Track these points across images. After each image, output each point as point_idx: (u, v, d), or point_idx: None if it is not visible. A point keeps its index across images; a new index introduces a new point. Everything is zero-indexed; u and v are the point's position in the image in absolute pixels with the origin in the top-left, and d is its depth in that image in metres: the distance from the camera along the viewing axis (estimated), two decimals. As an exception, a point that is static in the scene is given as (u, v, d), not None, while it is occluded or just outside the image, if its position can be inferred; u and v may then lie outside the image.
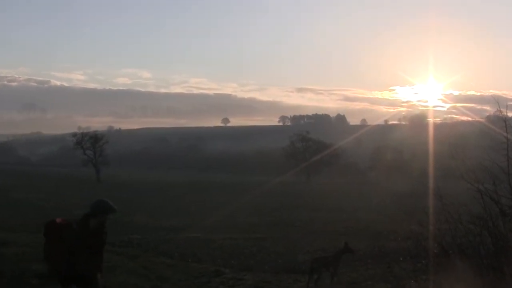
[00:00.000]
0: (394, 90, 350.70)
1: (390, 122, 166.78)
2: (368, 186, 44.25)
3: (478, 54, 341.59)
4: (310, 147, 67.77)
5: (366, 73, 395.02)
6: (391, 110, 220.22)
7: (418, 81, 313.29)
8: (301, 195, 36.03)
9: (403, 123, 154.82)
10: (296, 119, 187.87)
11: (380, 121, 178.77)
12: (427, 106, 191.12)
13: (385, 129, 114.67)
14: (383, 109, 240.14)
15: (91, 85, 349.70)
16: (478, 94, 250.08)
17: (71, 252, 4.30)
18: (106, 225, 4.56)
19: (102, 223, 4.48)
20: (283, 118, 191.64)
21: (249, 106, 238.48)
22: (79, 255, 4.32)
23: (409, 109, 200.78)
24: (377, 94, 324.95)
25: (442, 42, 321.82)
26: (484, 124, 10.43)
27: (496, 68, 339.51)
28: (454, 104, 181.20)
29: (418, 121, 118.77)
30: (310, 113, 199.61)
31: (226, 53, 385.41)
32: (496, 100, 6.52)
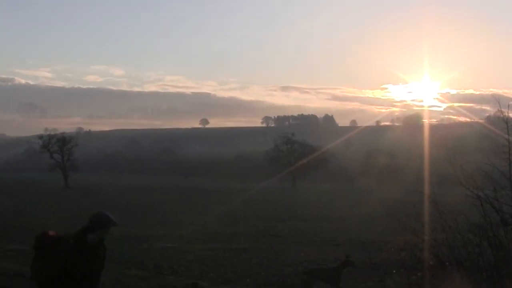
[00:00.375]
0: (386, 88, 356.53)
1: (382, 124, 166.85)
2: (358, 192, 44.49)
3: (478, 49, 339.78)
4: (295, 150, 67.86)
5: (356, 70, 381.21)
6: (383, 110, 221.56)
7: (413, 79, 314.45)
8: (285, 202, 36.02)
9: (397, 124, 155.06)
10: (281, 120, 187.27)
11: (372, 122, 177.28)
12: (422, 106, 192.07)
13: (377, 131, 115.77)
14: (374, 109, 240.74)
15: (59, 83, 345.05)
16: (477, 93, 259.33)
17: (65, 272, 4.07)
18: (105, 242, 4.40)
19: (101, 239, 4.29)
20: (266, 119, 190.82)
21: (230, 106, 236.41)
22: (74, 277, 4.10)
23: (403, 109, 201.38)
24: (368, 93, 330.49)
25: (439, 37, 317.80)
26: (483, 125, 10.44)
27: (497, 65, 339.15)
28: (451, 104, 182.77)
29: (412, 122, 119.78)
30: (295, 114, 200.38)
31: (205, 49, 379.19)
32: (496, 100, 6.54)
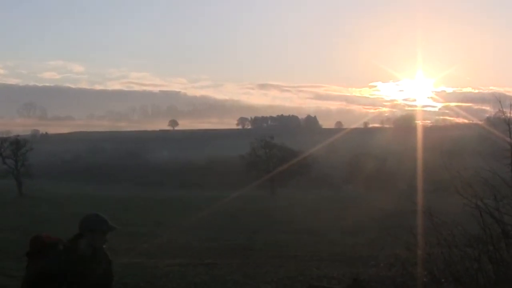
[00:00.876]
0: (375, 86, 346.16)
1: (371, 125, 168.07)
2: (344, 201, 44.72)
3: (477, 43, 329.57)
4: (274, 155, 67.74)
5: (341, 66, 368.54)
6: (372, 110, 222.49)
7: (404, 76, 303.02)
8: (264, 212, 35.95)
9: (386, 126, 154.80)
10: (258, 121, 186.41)
11: (359, 124, 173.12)
12: (415, 106, 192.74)
13: (365, 133, 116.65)
14: (362, 109, 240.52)
15: (12, 81, 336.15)
16: (476, 91, 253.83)
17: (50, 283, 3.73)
18: (106, 251, 4.08)
19: (94, 248, 3.92)
20: (242, 120, 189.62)
21: (202, 105, 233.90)
22: None
23: (393, 110, 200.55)
24: (355, 92, 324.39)
25: (433, 29, 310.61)
26: (483, 127, 10.50)
27: (498, 61, 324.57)
28: (447, 104, 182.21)
29: (404, 124, 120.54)
30: (274, 114, 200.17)
31: (174, 43, 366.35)
32: (497, 99, 6.56)
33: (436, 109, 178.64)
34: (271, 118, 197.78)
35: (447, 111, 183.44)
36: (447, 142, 36.68)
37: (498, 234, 5.43)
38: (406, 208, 7.73)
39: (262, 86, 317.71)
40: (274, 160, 67.23)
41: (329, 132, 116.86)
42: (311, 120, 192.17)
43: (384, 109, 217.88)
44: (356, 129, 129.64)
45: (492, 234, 5.49)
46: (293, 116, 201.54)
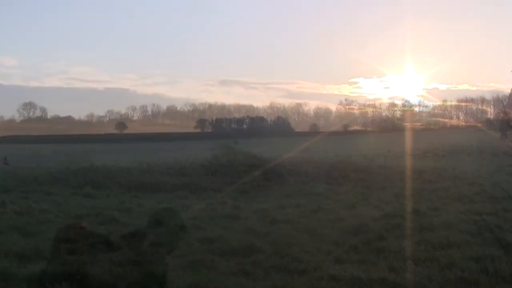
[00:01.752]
0: (356, 83, 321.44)
1: (352, 128, 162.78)
2: (321, 217, 44.71)
3: (474, 33, 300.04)
4: (239, 162, 67.23)
5: (317, 60, 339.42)
6: (353, 111, 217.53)
7: (390, 70, 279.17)
8: (225, 229, 35.69)
9: (370, 129, 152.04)
10: (220, 123, 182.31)
11: (337, 127, 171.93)
12: (404, 106, 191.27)
13: (345, 137, 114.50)
14: (341, 109, 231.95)
15: None
16: (474, 89, 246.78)
17: None
18: None
19: None
20: (201, 122, 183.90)
21: (155, 105, 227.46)
22: None
23: (378, 110, 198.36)
24: (333, 89, 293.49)
25: (423, 17, 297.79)
26: (482, 130, 10.35)
27: (498, 54, 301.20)
28: (440, 103, 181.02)
29: (390, 126, 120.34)
30: (239, 115, 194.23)
31: (123, 33, 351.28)
32: (499, 98, 6.56)
33: (428, 109, 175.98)
34: (236, 119, 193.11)
35: (440, 111, 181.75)
36: (441, 147, 36.72)
37: (500, 255, 5.50)
38: (391, 222, 7.77)
39: (225, 83, 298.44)
40: (239, 168, 66.88)
41: (303, 136, 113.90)
42: (282, 122, 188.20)
43: (367, 109, 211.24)
44: (334, 132, 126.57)
45: (493, 254, 5.57)
46: (260, 117, 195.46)
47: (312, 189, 13.90)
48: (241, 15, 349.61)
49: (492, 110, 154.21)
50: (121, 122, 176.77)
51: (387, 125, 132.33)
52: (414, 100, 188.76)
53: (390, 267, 5.96)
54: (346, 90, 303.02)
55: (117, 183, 15.11)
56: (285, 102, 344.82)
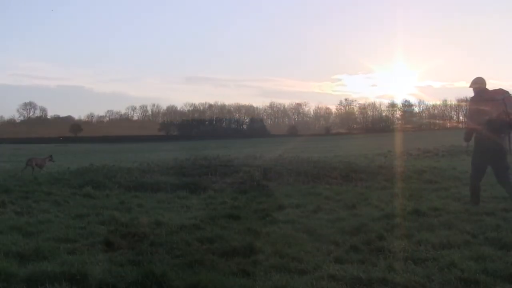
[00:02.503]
0: (339, 80, 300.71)
1: (335, 131, 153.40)
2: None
3: (472, 26, 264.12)
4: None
5: (295, 54, 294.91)
6: (336, 111, 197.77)
7: (378, 66, 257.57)
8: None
9: (355, 132, 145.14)
10: (186, 125, 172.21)
11: (319, 129, 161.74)
12: (393, 106, 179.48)
13: (327, 141, 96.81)
14: (323, 109, 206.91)
15: None
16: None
17: None
18: None
19: None
20: (165, 124, 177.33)
21: (113, 105, 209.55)
22: None
23: (364, 110, 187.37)
24: (314, 87, 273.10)
25: (415, 6, 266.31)
26: (482, 134, 10.21)
27: (500, 48, 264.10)
28: (434, 103, 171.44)
29: (378, 128, 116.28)
30: (207, 116, 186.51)
31: (77, 24, 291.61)
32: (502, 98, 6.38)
33: (421, 110, 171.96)
34: (204, 121, 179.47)
35: (434, 112, 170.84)
36: (441, 148, 36.29)
37: (500, 255, 5.47)
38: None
39: (192, 80, 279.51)
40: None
41: (281, 139, 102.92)
42: (256, 124, 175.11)
43: (352, 109, 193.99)
44: (315, 135, 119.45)
45: (493, 254, 5.54)
46: (233, 118, 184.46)
47: (312, 189, 13.88)
48: (207, 3, 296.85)
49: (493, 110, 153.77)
50: (76, 124, 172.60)
51: (374, 128, 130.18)
52: (404, 99, 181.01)
53: (390, 267, 5.97)
54: (328, 88, 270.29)
55: (117, 183, 15.10)
56: (260, 101, 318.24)
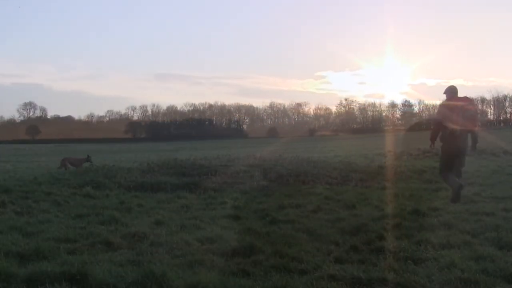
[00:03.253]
0: (324, 77, 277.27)
1: (319, 133, 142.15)
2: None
3: (470, 19, 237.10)
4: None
5: (276, 50, 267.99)
6: (320, 111, 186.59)
7: (367, 62, 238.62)
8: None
9: (342, 134, 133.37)
10: (157, 127, 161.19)
11: (302, 131, 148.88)
12: (394, 106, 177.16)
13: (310, 144, 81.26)
14: (305, 110, 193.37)
15: None
16: (470, 84, 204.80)
17: None
18: None
19: None
20: (132, 126, 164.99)
21: (75, 105, 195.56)
22: None
23: (352, 110, 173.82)
24: (296, 85, 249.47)
25: None
26: (481, 135, 10.63)
27: (501, 42, 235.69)
28: (429, 102, 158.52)
29: (367, 131, 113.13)
30: (180, 117, 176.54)
31: (38, 16, 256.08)
32: (500, 97, 6.32)
33: (414, 110, 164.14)
34: (176, 123, 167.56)
35: (435, 111, 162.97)
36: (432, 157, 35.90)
37: (500, 255, 5.46)
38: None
39: (162, 77, 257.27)
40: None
41: (260, 142, 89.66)
42: (233, 126, 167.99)
43: (338, 109, 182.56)
44: (298, 138, 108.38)
45: (493, 254, 5.52)
46: (207, 119, 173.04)
47: (312, 189, 13.89)
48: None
49: (492, 110, 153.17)
50: (33, 125, 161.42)
51: (363, 130, 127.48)
52: (396, 98, 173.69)
53: (390, 267, 5.97)
54: (311, 86, 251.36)
55: (117, 183, 15.10)
56: (237, 100, 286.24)
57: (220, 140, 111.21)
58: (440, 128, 11.47)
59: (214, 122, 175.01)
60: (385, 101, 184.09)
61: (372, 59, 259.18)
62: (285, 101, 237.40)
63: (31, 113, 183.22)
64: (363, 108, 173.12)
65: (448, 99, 11.62)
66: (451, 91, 11.67)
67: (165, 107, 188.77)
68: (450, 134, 11.22)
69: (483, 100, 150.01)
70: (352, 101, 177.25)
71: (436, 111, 11.68)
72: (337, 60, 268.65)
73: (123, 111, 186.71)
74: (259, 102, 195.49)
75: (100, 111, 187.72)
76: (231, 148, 60.14)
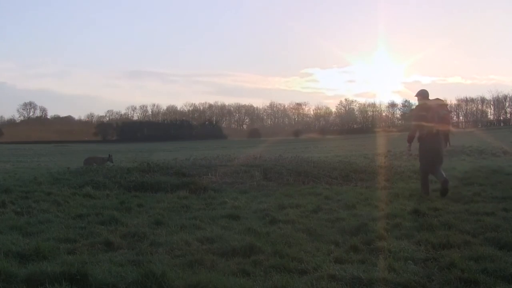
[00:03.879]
0: (310, 75, 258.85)
1: (305, 135, 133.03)
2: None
3: (468, 11, 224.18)
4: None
5: (258, 45, 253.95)
6: (306, 112, 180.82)
7: (357, 58, 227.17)
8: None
9: (330, 137, 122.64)
10: (129, 129, 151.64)
11: (286, 133, 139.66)
12: (374, 106, 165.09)
13: (297, 147, 75.62)
14: (290, 110, 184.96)
15: None
16: (469, 82, 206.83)
17: None
18: None
19: None
20: (102, 127, 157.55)
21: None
22: None
23: (340, 111, 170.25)
24: (279, 83, 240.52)
25: None
26: (424, 136, 10.93)
27: (502, 36, 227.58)
28: (424, 102, 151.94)
29: (357, 130, 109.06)
30: (153, 119, 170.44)
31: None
32: (500, 97, 6.35)
33: (407, 110, 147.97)
34: (150, 123, 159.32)
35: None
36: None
37: (500, 255, 5.44)
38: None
39: (135, 75, 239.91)
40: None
41: (240, 144, 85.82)
42: (212, 128, 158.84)
43: (325, 109, 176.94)
44: (284, 140, 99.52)
45: (493, 254, 5.51)
46: (183, 120, 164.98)
47: (312, 189, 13.88)
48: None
49: (492, 111, 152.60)
50: None
51: (353, 131, 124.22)
52: (388, 98, 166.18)
53: (390, 267, 5.97)
54: (296, 84, 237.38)
55: (117, 183, 15.08)
56: (216, 99, 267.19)
57: (195, 141, 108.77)
58: (416, 130, 12.31)
59: (193, 123, 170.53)
60: (385, 101, 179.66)
61: (362, 55, 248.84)
62: (266, 101, 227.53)
63: (31, 113, 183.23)
64: (363, 108, 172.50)
65: (420, 101, 12.42)
66: (422, 94, 12.41)
67: (165, 107, 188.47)
68: (427, 135, 12.03)
69: (483, 100, 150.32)
70: (352, 101, 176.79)
71: (412, 114, 12.92)
72: (325, 56, 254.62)
73: (123, 111, 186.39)
74: (242, 103, 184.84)
75: (65, 111, 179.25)
76: (198, 150, 58.98)
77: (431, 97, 12.38)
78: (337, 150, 45.58)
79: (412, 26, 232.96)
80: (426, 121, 12.02)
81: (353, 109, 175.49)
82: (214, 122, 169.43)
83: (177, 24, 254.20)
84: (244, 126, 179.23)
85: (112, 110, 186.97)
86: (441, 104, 12.33)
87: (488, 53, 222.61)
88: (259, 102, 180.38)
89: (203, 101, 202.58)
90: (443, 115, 12.12)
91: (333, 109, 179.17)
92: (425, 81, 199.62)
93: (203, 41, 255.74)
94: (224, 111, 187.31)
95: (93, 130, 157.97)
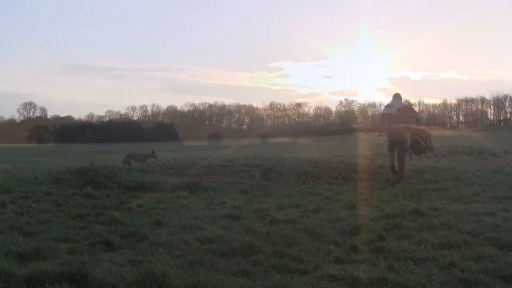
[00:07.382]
0: (280, 70, 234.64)
1: (274, 139, 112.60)
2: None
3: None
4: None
5: (219, 34, 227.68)
6: (275, 112, 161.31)
7: (335, 49, 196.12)
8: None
9: (303, 142, 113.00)
10: (68, 131, 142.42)
11: (253, 137, 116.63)
12: (355, 104, 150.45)
13: (263, 151, 69.82)
14: (257, 110, 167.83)
15: None
16: (465, 78, 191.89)
17: None
18: None
19: None
20: (37, 131, 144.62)
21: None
22: None
23: (317, 111, 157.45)
24: (244, 79, 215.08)
25: None
26: (479, 139, 10.68)
27: (502, 28, 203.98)
28: (429, 102, 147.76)
29: (332, 131, 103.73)
30: (97, 121, 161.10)
31: None
32: (500, 97, 6.19)
33: (394, 111, 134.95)
34: (93, 127, 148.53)
35: (434, 111, 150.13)
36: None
37: (500, 255, 5.44)
38: None
39: (75, 69, 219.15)
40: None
41: (200, 150, 68.66)
42: (165, 130, 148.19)
43: (298, 109, 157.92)
44: (249, 146, 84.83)
45: (493, 254, 5.51)
46: (131, 122, 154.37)
47: (312, 189, 13.88)
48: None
49: (492, 111, 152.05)
50: None
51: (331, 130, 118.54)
52: (371, 96, 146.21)
53: (390, 267, 5.97)
54: (263, 80, 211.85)
55: (117, 183, 15.07)
56: (170, 98, 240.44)
57: (144, 143, 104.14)
58: (383, 125, 16.13)
59: (142, 125, 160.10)
60: (342, 98, 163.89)
61: (340, 46, 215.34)
62: (229, 100, 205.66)
63: (31, 113, 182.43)
64: (363, 108, 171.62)
65: (390, 103, 15.77)
66: (396, 96, 15.86)
67: (165, 107, 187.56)
68: (392, 129, 15.58)
69: (483, 100, 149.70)
70: (352, 101, 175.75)
71: (381, 114, 17.91)
72: (296, 47, 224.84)
73: (123, 111, 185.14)
74: (198, 102, 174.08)
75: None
76: (112, 153, 57.73)
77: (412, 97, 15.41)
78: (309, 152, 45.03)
79: (399, 13, 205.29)
80: (389, 120, 15.62)
81: (353, 108, 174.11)
82: (170, 123, 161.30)
83: (119, 9, 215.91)
84: (244, 126, 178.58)
85: (112, 110, 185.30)
86: (404, 107, 16.13)
87: (488, 45, 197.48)
88: (278, 103, 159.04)
89: (202, 101, 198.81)
90: (411, 116, 16.43)
91: (311, 110, 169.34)
92: (414, 77, 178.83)
93: (153, 30, 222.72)
94: (224, 111, 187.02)
95: (26, 134, 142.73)
